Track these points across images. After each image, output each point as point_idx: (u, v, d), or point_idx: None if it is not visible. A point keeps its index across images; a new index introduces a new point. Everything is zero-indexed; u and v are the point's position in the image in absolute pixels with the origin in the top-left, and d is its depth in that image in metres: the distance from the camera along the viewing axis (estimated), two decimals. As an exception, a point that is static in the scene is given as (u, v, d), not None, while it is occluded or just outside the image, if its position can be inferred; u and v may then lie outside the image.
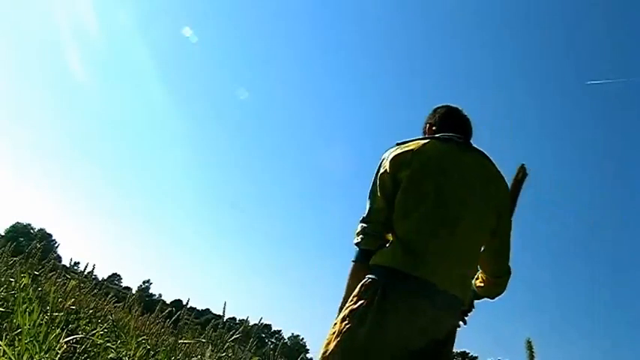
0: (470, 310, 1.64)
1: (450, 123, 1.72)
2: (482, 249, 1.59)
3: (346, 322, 1.45)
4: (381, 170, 1.60)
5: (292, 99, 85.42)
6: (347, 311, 1.47)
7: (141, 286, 44.80)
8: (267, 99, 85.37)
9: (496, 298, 1.67)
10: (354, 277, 1.55)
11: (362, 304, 1.44)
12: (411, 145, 1.60)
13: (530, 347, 1.22)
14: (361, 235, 1.57)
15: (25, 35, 74.08)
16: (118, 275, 43.71)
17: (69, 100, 78.78)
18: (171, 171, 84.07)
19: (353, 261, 1.59)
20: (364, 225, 1.59)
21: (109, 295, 5.72)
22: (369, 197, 1.62)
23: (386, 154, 1.63)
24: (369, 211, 1.60)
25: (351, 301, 1.49)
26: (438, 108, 1.80)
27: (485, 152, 1.65)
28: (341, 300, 1.55)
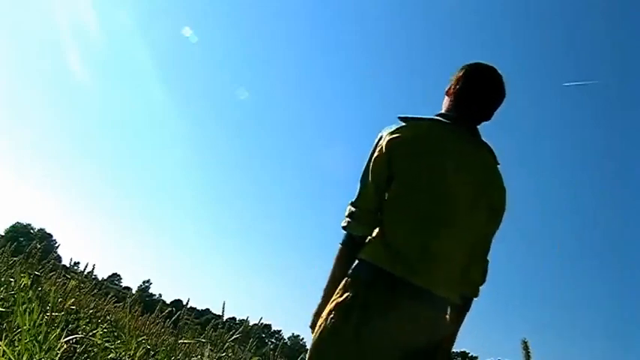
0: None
1: (470, 95, 1.58)
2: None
3: (332, 316, 1.43)
4: (376, 153, 1.51)
5: (292, 99, 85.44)
6: (333, 304, 1.44)
7: (141, 286, 44.85)
8: (267, 99, 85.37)
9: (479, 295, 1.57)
10: (340, 262, 1.52)
11: (347, 298, 1.42)
12: (412, 129, 1.52)
13: (526, 347, 1.22)
14: (349, 219, 1.51)
15: (25, 35, 74.16)
16: (118, 275, 43.75)
17: (69, 100, 78.83)
18: (171, 171, 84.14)
19: (340, 244, 1.53)
20: (353, 209, 1.52)
21: (109, 295, 5.73)
22: (361, 180, 1.54)
23: (384, 133, 1.53)
24: (359, 195, 1.53)
25: (337, 293, 1.46)
26: (466, 69, 1.62)
27: (491, 147, 1.58)
28: (326, 283, 1.53)
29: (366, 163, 1.54)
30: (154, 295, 42.76)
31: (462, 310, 1.53)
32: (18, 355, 2.28)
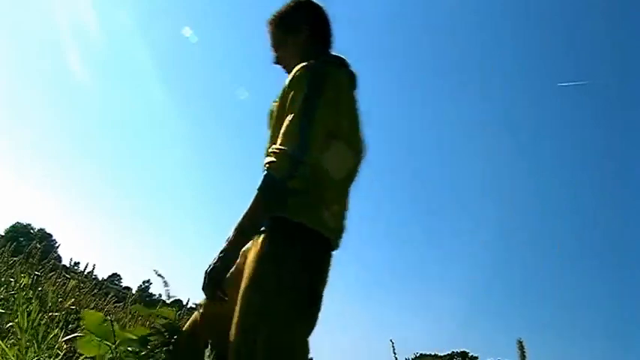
0: None
1: (329, 32, 1.54)
2: None
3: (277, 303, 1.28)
4: (327, 94, 1.30)
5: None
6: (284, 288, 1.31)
7: (141, 286, 44.81)
8: (267, 99, 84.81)
9: None
10: (261, 216, 1.29)
11: (302, 276, 1.29)
12: (341, 77, 1.40)
13: (521, 347, 1.22)
14: (288, 172, 1.24)
15: (25, 35, 74.30)
16: (118, 275, 43.66)
17: (69, 100, 79.10)
18: (171, 171, 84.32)
19: (261, 192, 1.26)
20: (292, 161, 1.24)
21: (109, 295, 5.73)
22: (305, 125, 1.27)
23: (325, 71, 1.36)
24: (303, 146, 1.25)
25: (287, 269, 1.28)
26: (313, 8, 1.53)
27: None
28: (232, 230, 1.28)
29: (310, 104, 1.29)
30: (154, 295, 42.74)
31: None
32: (18, 354, 2.28)
